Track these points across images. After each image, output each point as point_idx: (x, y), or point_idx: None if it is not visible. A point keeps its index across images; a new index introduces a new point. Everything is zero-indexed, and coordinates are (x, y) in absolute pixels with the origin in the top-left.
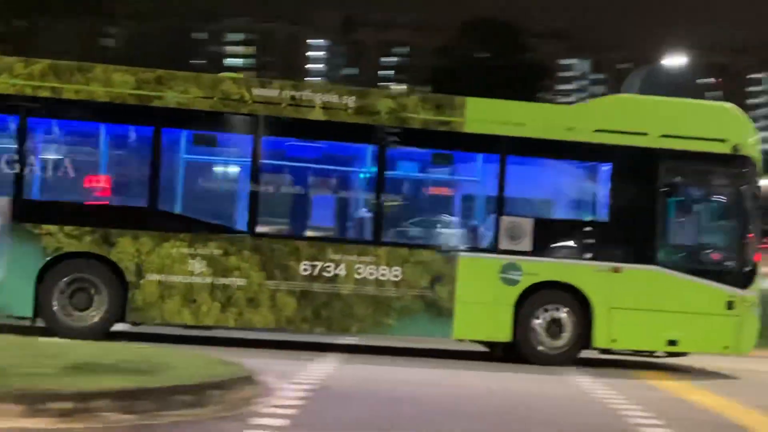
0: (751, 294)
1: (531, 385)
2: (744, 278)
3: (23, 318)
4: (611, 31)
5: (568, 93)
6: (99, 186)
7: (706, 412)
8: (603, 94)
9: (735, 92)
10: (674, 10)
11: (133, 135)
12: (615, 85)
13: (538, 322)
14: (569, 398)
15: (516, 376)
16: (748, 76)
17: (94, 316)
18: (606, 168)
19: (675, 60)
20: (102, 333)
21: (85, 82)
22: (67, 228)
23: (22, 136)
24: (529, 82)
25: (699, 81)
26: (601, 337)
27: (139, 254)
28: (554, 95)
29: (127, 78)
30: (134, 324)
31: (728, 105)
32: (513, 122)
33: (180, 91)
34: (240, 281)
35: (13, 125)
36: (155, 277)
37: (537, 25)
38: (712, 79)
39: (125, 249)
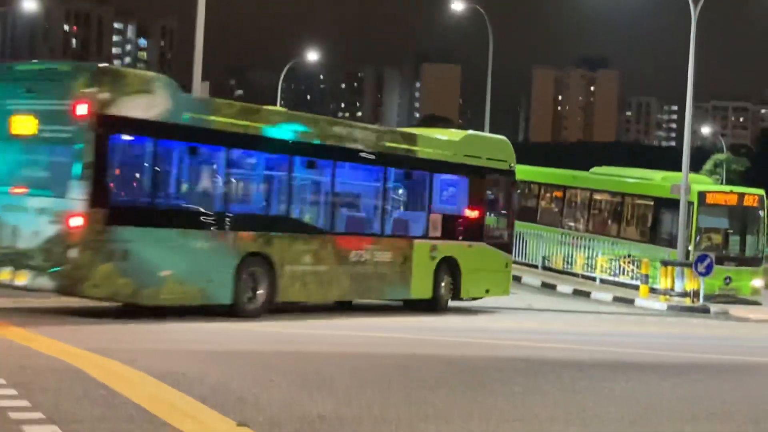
0: (510, 256)
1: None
2: (510, 247)
3: (222, 305)
4: None
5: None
6: (263, 201)
7: (44, 358)
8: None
9: (96, 40)
10: None
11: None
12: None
13: (443, 284)
14: None
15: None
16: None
17: (259, 299)
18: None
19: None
20: (264, 312)
21: (258, 120)
22: (249, 233)
23: (225, 164)
24: None
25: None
26: (464, 290)
27: (281, 251)
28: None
29: (280, 117)
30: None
31: (504, 138)
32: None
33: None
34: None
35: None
36: (289, 267)
37: None
38: (73, 28)
39: (275, 247)
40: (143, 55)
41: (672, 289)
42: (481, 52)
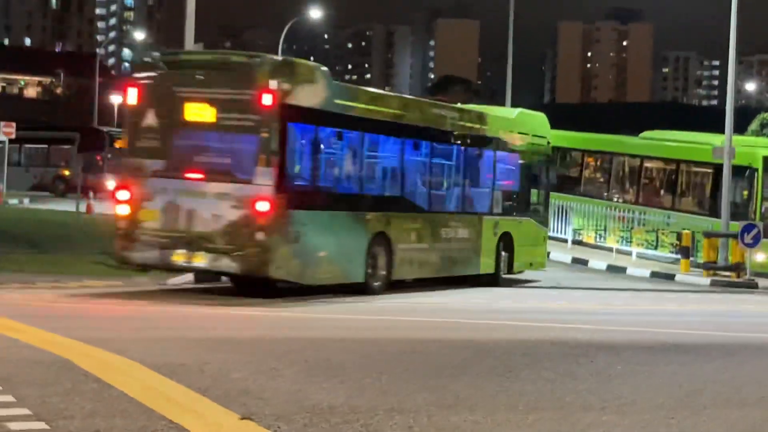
0: (547, 231)
1: None
2: (547, 221)
3: (355, 283)
4: None
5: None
6: (384, 182)
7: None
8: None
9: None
10: None
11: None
12: None
13: (502, 259)
14: None
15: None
16: None
17: (381, 277)
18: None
19: None
20: (386, 287)
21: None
22: (377, 214)
23: (363, 149)
24: None
25: None
26: (516, 265)
27: (396, 230)
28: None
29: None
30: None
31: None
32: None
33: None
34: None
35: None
36: (401, 246)
37: None
38: None
39: (393, 226)
40: (129, 15)
41: (715, 263)
42: (501, 5)
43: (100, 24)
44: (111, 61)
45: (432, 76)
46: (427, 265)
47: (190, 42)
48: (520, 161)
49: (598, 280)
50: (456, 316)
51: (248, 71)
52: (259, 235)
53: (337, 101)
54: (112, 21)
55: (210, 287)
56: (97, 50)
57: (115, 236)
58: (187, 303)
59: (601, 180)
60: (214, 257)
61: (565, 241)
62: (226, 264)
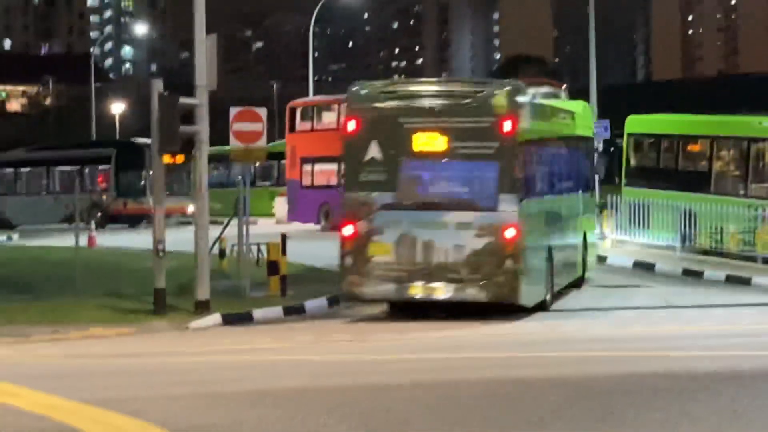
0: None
1: None
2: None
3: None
4: None
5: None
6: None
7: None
8: None
9: None
10: None
11: None
12: None
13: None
14: None
15: None
16: None
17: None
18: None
19: None
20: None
21: None
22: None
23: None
24: None
25: None
26: (589, 264)
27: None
28: None
29: None
30: None
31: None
32: None
33: None
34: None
35: None
36: (558, 254)
37: None
38: None
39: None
40: (129, 4)
41: None
42: None
43: (93, 18)
44: (108, 62)
45: (498, 57)
46: (565, 274)
47: (201, 34)
48: (588, 156)
49: (716, 295)
50: (540, 348)
51: (485, 99)
52: (509, 263)
53: (539, 119)
54: (108, 13)
55: (239, 329)
56: (91, 50)
57: (343, 273)
58: (216, 349)
59: (737, 173)
60: (457, 287)
61: (672, 248)
62: (472, 294)
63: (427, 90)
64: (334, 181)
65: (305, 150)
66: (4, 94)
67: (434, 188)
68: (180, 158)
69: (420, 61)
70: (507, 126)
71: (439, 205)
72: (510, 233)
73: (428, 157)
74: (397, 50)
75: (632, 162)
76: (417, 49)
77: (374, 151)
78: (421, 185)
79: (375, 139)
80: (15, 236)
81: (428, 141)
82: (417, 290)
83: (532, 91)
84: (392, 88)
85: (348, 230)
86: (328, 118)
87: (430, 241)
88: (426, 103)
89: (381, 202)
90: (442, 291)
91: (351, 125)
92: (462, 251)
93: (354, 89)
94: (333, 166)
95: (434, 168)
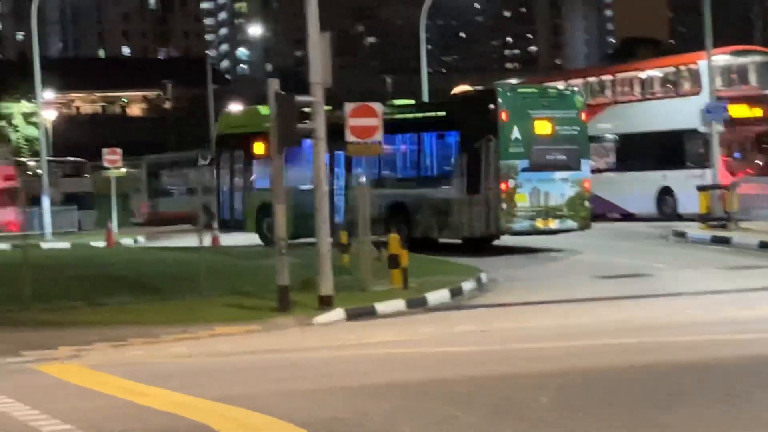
0: None
1: None
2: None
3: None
4: None
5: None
6: None
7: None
8: None
9: None
10: None
11: None
12: None
13: None
14: None
15: None
16: None
17: None
18: None
19: None
20: None
21: None
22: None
23: None
24: None
25: None
26: None
27: None
28: None
29: None
30: None
31: None
32: None
33: None
34: None
35: None
36: None
37: None
38: None
39: None
40: (242, 6)
41: None
42: None
43: (208, 21)
44: (224, 63)
45: (612, 41)
46: None
47: (314, 32)
48: None
49: None
50: (664, 333)
51: (572, 97)
52: (587, 203)
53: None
54: (222, 16)
55: (363, 323)
56: (207, 52)
57: (497, 215)
58: (341, 344)
59: None
60: (561, 221)
61: None
62: (571, 224)
63: (541, 91)
64: None
65: None
66: (125, 100)
67: (548, 158)
68: None
69: (533, 48)
70: (583, 116)
71: (551, 168)
72: (587, 185)
73: (542, 137)
74: (509, 39)
75: None
76: (529, 36)
77: (516, 133)
78: (542, 156)
79: (516, 125)
80: (141, 239)
81: (543, 126)
82: (540, 223)
83: (748, 59)
84: (522, 92)
85: (503, 186)
86: None
87: (547, 191)
88: (541, 101)
89: (521, 167)
90: (553, 223)
91: (503, 115)
92: (564, 197)
93: (500, 90)
94: None
95: (546, 144)
